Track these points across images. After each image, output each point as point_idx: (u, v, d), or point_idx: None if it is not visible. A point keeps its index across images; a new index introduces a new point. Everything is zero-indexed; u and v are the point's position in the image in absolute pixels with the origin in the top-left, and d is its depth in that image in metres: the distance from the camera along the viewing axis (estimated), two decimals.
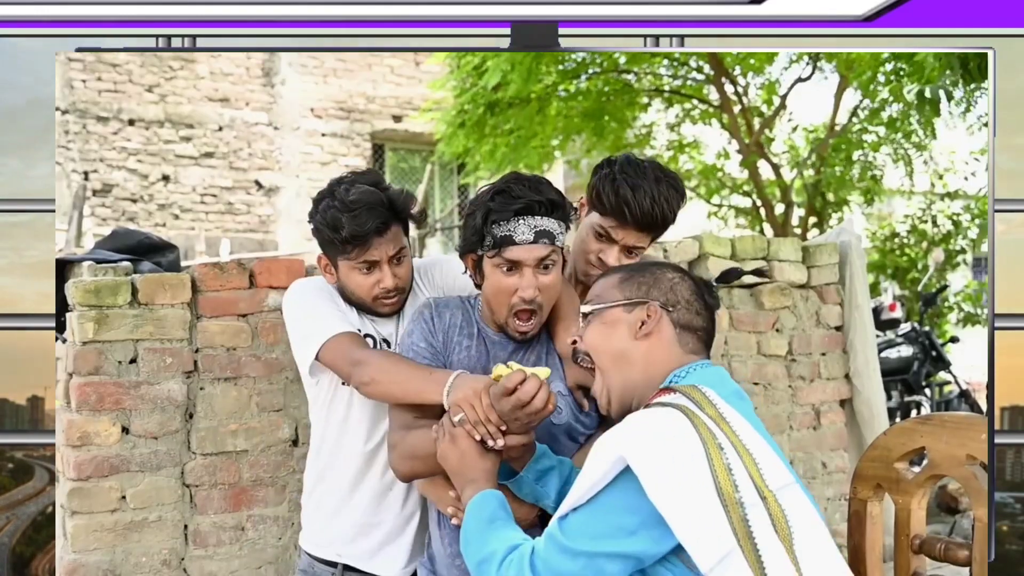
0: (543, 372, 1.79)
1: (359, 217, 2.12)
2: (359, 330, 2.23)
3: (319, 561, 2.34)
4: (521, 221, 1.91)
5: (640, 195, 2.06)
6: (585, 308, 1.79)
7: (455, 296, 2.16)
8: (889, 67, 7.09)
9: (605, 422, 2.02)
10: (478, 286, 2.04)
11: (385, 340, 2.28)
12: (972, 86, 5.07)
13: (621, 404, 1.73)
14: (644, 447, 1.50)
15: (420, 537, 2.31)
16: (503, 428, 1.78)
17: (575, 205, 2.10)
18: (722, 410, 1.58)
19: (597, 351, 1.75)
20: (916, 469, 1.97)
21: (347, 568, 2.31)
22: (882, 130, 8.32)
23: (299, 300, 2.29)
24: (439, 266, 2.38)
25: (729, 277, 1.95)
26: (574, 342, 1.81)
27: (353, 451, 2.29)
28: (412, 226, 2.28)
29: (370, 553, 2.30)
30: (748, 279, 3.71)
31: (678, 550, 1.51)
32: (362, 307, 2.26)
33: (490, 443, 1.79)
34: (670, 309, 1.72)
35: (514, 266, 1.93)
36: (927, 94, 4.80)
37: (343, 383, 2.24)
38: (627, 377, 1.72)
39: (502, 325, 2.00)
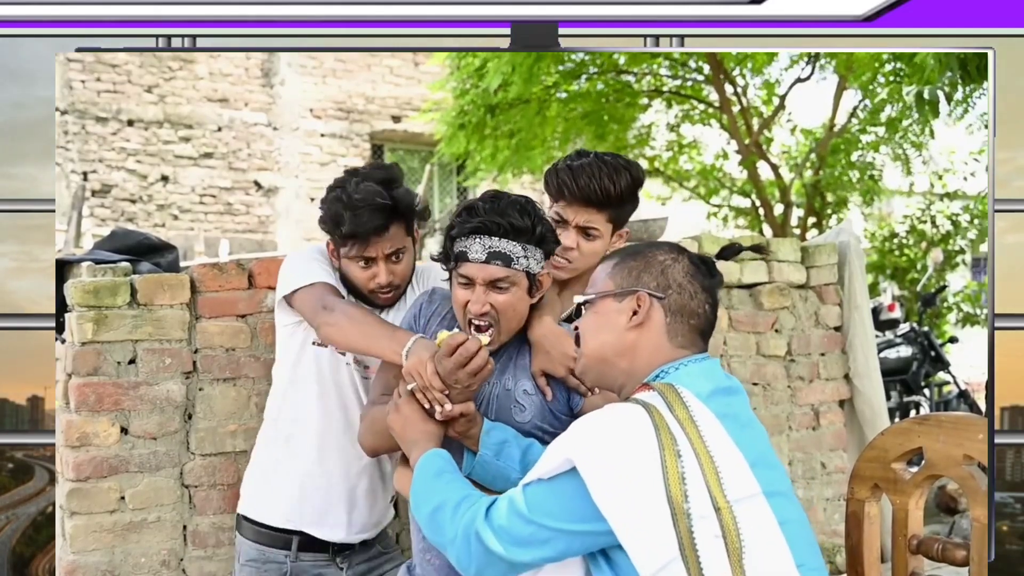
0: (484, 339, 1.88)
1: (360, 217, 2.17)
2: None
3: (270, 534, 2.36)
4: (477, 240, 1.94)
5: (578, 173, 2.15)
6: (578, 298, 1.79)
7: None
8: (888, 67, 7.09)
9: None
10: None
11: None
12: (971, 87, 5.07)
13: (599, 381, 1.78)
14: (593, 452, 1.52)
15: (366, 507, 2.37)
16: (446, 393, 1.86)
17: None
18: (695, 413, 1.56)
19: (585, 337, 1.75)
20: (913, 469, 1.97)
21: (301, 548, 2.34)
22: (881, 130, 8.32)
23: (300, 255, 2.37)
24: (436, 271, 2.40)
25: (728, 254, 1.92)
26: (576, 326, 1.83)
27: (320, 415, 2.36)
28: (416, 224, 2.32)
29: (321, 517, 2.35)
30: (748, 279, 3.72)
31: None
32: (359, 296, 2.31)
33: (437, 411, 1.86)
34: (661, 296, 1.68)
35: (469, 282, 1.96)
36: (926, 95, 4.80)
37: (317, 344, 2.29)
38: (609, 364, 1.72)
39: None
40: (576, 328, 1.80)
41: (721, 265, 3.77)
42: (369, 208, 2.17)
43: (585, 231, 2.20)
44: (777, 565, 1.51)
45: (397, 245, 2.25)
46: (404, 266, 2.29)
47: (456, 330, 1.92)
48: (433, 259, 2.10)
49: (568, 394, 2.02)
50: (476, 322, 1.96)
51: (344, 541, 2.37)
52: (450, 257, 1.99)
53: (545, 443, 1.96)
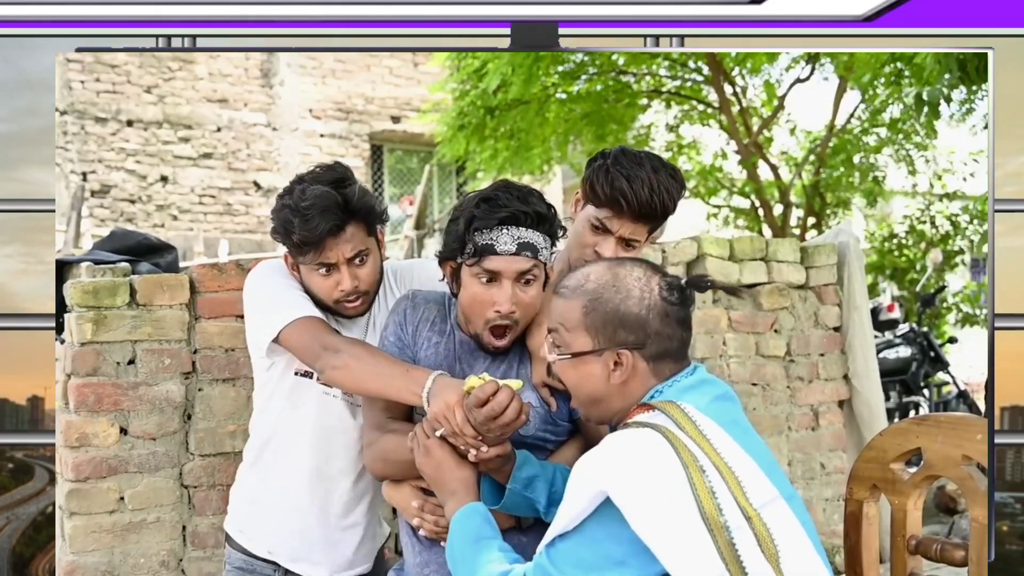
0: (515, 384, 1.76)
1: (310, 221, 2.03)
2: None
3: (256, 559, 2.28)
4: (504, 231, 1.85)
5: (637, 184, 2.00)
6: (551, 357, 1.72)
7: (438, 292, 2.09)
8: (888, 69, 7.10)
9: (576, 433, 2.00)
10: (455, 295, 1.97)
11: None
12: (973, 88, 5.08)
13: (599, 421, 1.74)
14: (624, 478, 1.48)
15: (358, 548, 2.28)
16: (479, 438, 1.75)
17: (565, 219, 2.04)
18: (702, 426, 1.55)
19: (573, 391, 1.72)
20: (912, 470, 1.97)
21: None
22: (883, 131, 8.32)
23: (266, 279, 2.21)
24: (416, 270, 2.30)
25: (699, 287, 1.83)
26: (549, 365, 1.78)
27: (304, 450, 2.23)
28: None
29: (302, 555, 2.26)
30: (747, 280, 3.72)
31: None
32: (327, 309, 2.17)
33: (470, 455, 1.77)
34: (640, 347, 1.64)
35: (493, 277, 1.87)
36: (925, 96, 4.80)
37: (301, 373, 2.17)
38: (604, 409, 1.69)
39: (476, 336, 1.95)
40: (550, 366, 1.75)
41: (721, 265, 3.77)
42: (319, 210, 2.02)
43: (627, 242, 2.07)
44: (809, 565, 1.52)
45: (358, 247, 2.10)
46: (369, 270, 2.13)
47: (485, 375, 1.78)
48: (438, 256, 1.98)
49: (569, 401, 1.92)
50: (501, 322, 1.88)
51: None
52: (465, 252, 1.88)
53: (547, 452, 1.95)
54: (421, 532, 1.93)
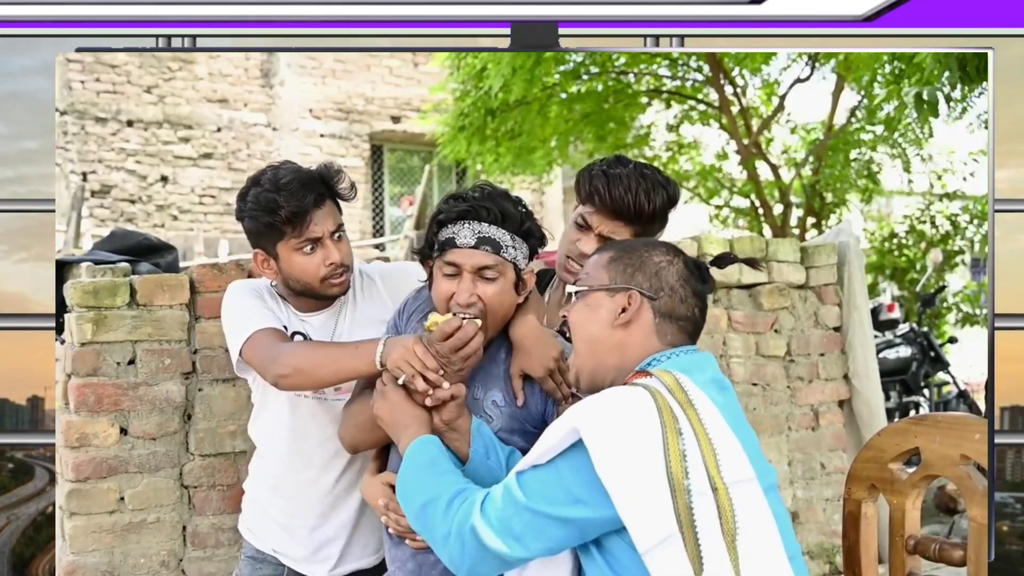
0: (478, 322, 1.84)
1: (295, 193, 2.07)
2: (285, 327, 2.18)
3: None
4: (465, 225, 1.88)
5: (615, 182, 2.06)
6: (570, 288, 1.77)
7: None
8: (888, 68, 7.09)
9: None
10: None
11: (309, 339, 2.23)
12: (970, 86, 5.07)
13: (591, 383, 1.73)
14: (598, 422, 1.51)
15: (351, 542, 2.30)
16: (441, 373, 1.80)
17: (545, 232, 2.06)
18: (692, 396, 1.57)
19: (575, 331, 1.74)
20: (911, 470, 1.97)
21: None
22: (880, 129, 8.31)
23: (228, 300, 2.25)
24: (410, 269, 2.27)
25: (722, 263, 1.90)
26: (564, 317, 1.80)
27: (282, 452, 2.28)
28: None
29: (296, 556, 2.30)
30: (747, 280, 3.72)
31: None
32: (310, 294, 2.19)
33: (428, 399, 1.79)
34: (653, 297, 1.68)
35: (455, 270, 1.90)
36: (924, 96, 4.80)
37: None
38: (599, 361, 1.70)
39: None
40: (564, 318, 1.78)
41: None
42: (300, 183, 2.07)
43: (605, 239, 2.09)
44: (769, 552, 1.52)
45: (338, 220, 2.15)
46: (347, 247, 2.18)
47: (449, 315, 1.85)
48: (414, 253, 2.03)
49: (544, 403, 1.94)
50: (462, 314, 1.89)
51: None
52: (435, 246, 1.92)
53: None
54: (390, 529, 1.96)
